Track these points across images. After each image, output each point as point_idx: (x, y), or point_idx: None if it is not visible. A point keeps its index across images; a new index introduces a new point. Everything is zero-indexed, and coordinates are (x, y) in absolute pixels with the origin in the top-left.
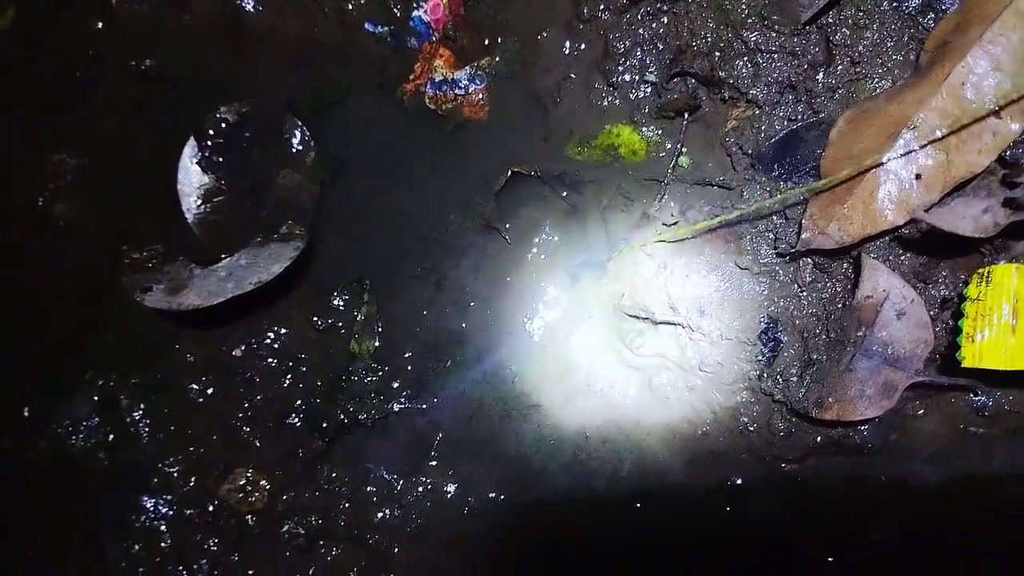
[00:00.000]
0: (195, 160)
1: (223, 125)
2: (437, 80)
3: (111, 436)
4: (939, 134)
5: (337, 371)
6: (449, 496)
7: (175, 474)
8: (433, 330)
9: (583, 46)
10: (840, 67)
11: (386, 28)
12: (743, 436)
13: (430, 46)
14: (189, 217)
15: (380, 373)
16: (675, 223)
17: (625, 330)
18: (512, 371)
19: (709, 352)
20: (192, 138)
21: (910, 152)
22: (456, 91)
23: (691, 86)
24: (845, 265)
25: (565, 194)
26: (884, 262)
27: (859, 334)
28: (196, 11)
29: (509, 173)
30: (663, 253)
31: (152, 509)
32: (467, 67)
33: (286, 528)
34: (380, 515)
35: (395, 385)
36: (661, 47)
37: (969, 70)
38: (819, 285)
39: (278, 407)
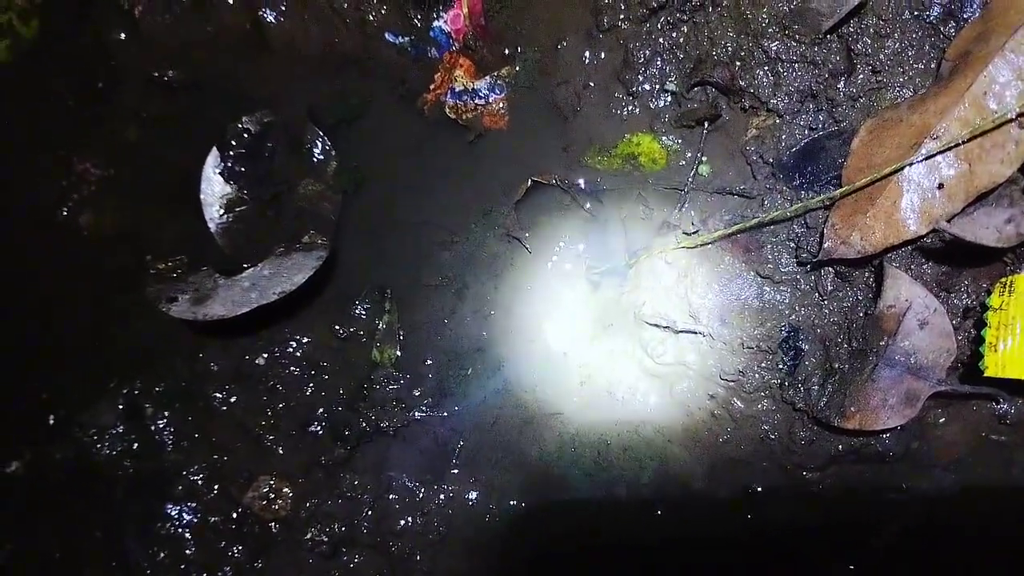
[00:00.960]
0: (217, 170)
1: (245, 135)
2: (457, 90)
3: (135, 444)
4: (961, 144)
5: (359, 379)
6: (471, 503)
7: (199, 482)
8: (454, 338)
9: (603, 55)
10: (861, 76)
11: (406, 38)
12: (764, 444)
13: (450, 56)
14: (212, 226)
15: (402, 381)
16: (695, 232)
17: (646, 338)
18: (533, 379)
19: (730, 360)
20: (214, 148)
21: (932, 162)
22: (476, 101)
23: (711, 95)
24: (867, 274)
25: (585, 203)
26: (906, 271)
27: (881, 343)
28: (218, 22)
29: (529, 182)
30: (684, 262)
31: (176, 516)
32: (487, 77)
33: (309, 535)
34: (402, 522)
35: (416, 393)
36: (681, 56)
37: (991, 79)
38: (841, 294)
39: (301, 415)
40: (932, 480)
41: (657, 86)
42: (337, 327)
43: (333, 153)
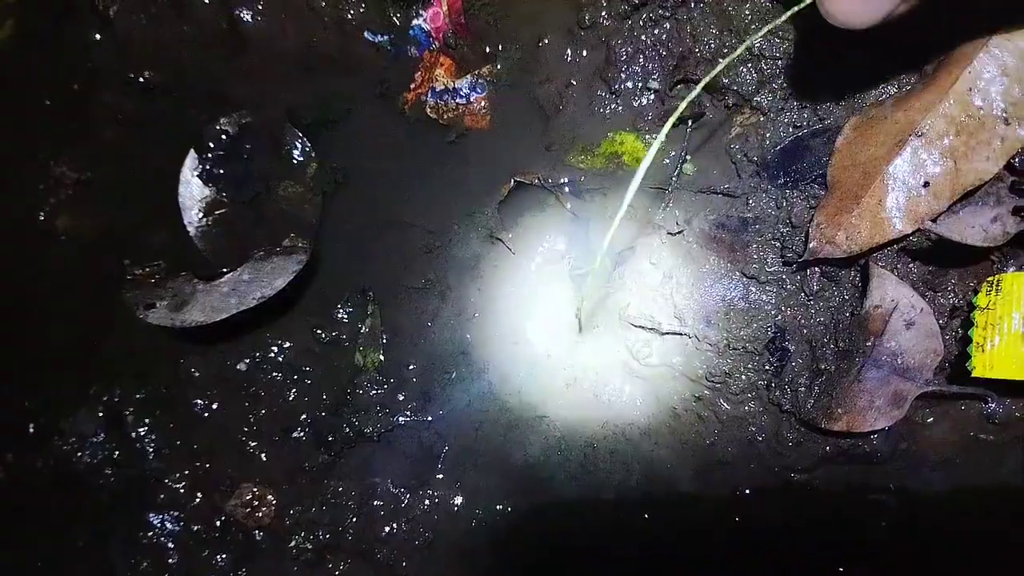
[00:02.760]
0: (196, 172)
1: (223, 136)
2: (438, 89)
3: (117, 452)
4: (947, 141)
5: (342, 384)
6: (456, 508)
7: (181, 490)
8: (438, 342)
9: (585, 53)
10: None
11: (386, 37)
12: (751, 446)
13: (430, 55)
14: (191, 230)
15: (385, 386)
16: (680, 231)
17: (631, 340)
18: (518, 382)
19: (716, 362)
20: (192, 150)
21: (918, 159)
22: (457, 100)
23: None
24: (853, 274)
25: (568, 203)
26: (892, 271)
27: (868, 344)
28: (194, 22)
29: (512, 182)
30: (669, 262)
31: (159, 525)
32: (468, 76)
33: (294, 543)
34: (387, 529)
35: (400, 397)
36: (664, 53)
37: (976, 76)
38: (827, 294)
39: (284, 421)
40: (920, 480)
41: (640, 84)
42: (319, 331)
43: (313, 154)
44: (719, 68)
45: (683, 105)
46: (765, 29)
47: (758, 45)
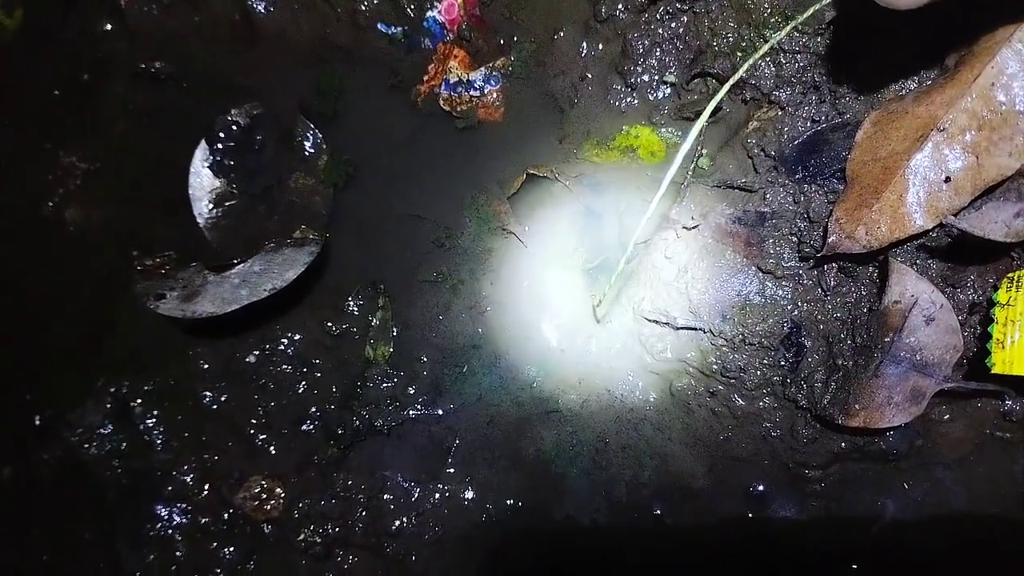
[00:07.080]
0: (206, 164)
1: (234, 128)
2: (452, 81)
3: (124, 444)
4: (968, 136)
5: (352, 377)
6: (467, 503)
7: (189, 482)
8: (449, 335)
9: (600, 46)
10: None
11: (399, 29)
12: (766, 442)
13: (444, 47)
14: (201, 221)
15: (396, 379)
16: (696, 225)
17: (645, 335)
18: (530, 376)
19: (731, 357)
20: (203, 141)
21: (939, 155)
22: (471, 92)
23: (711, 87)
24: (871, 269)
25: (582, 196)
26: (912, 266)
27: (887, 339)
28: (206, 12)
29: (525, 175)
30: (684, 257)
31: (167, 517)
32: (482, 68)
33: (302, 536)
34: (397, 523)
35: (411, 391)
36: (681, 47)
37: (999, 71)
38: (844, 289)
39: (293, 414)
40: (936, 478)
41: (656, 77)
42: (330, 324)
43: (324, 146)
44: (744, 67)
45: (711, 106)
46: (789, 27)
47: (776, 39)
